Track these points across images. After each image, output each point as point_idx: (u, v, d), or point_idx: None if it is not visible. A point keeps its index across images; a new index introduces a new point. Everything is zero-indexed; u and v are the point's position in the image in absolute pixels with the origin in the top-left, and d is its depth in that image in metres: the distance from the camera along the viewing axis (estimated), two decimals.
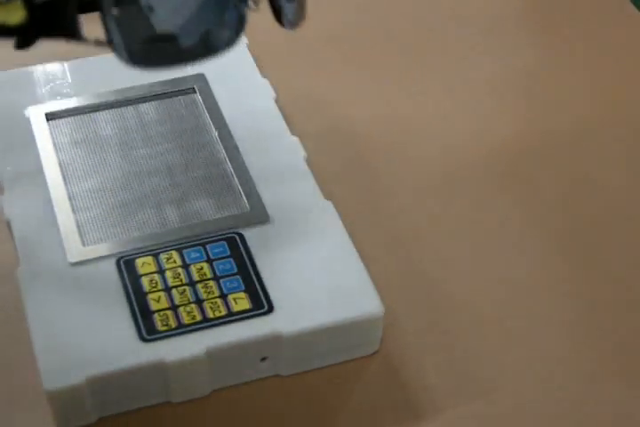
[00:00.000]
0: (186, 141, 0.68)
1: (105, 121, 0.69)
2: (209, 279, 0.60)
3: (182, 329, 0.58)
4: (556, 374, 0.61)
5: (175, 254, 0.61)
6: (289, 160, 0.67)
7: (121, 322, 0.58)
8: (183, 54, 0.50)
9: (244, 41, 0.75)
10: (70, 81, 0.72)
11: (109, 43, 0.49)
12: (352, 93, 0.78)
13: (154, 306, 0.59)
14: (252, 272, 0.60)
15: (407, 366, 0.61)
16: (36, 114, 0.69)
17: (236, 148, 0.67)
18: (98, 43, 0.50)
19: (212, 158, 0.67)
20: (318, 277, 0.60)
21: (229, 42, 0.51)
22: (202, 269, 0.60)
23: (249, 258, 0.61)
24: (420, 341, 0.62)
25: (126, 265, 0.60)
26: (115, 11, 0.48)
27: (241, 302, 0.59)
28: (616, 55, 0.82)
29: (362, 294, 0.59)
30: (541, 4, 0.87)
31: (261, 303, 0.59)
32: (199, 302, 0.59)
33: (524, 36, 0.85)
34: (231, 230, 0.62)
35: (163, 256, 0.61)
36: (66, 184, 0.65)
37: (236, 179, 0.65)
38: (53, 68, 0.73)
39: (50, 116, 0.69)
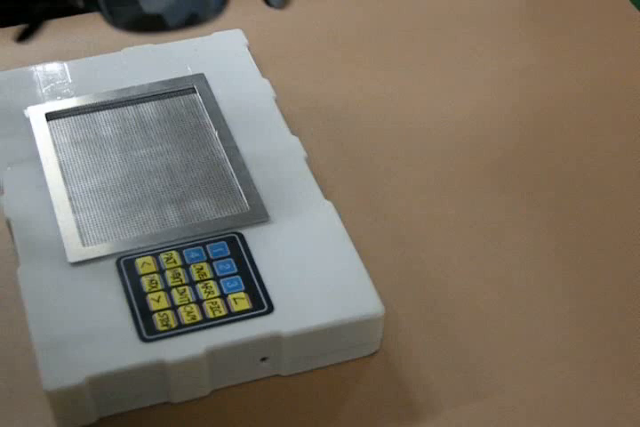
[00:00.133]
0: (186, 141, 0.68)
1: (105, 121, 0.69)
2: (209, 279, 0.60)
3: (182, 329, 0.58)
4: (556, 374, 0.61)
5: (175, 254, 0.61)
6: (289, 160, 0.67)
7: (121, 322, 0.58)
8: (168, 23, 0.51)
9: (244, 41, 0.75)
10: (70, 81, 0.72)
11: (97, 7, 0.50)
12: (352, 93, 0.78)
13: (154, 306, 0.59)
14: (251, 272, 0.60)
15: (407, 366, 0.61)
16: (36, 114, 0.69)
17: (236, 148, 0.67)
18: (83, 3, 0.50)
19: (212, 158, 0.67)
20: (318, 278, 0.60)
21: (217, 11, 0.52)
22: (202, 269, 0.60)
23: (249, 258, 0.61)
24: (420, 341, 0.62)
25: (126, 265, 0.60)
26: None
27: (241, 302, 0.59)
28: (616, 55, 0.82)
29: (362, 294, 0.59)
30: (541, 3, 0.87)
31: (261, 303, 0.59)
32: (199, 302, 0.59)
33: (523, 35, 0.85)
34: (231, 230, 0.62)
35: (163, 256, 0.61)
36: (66, 184, 0.65)
37: (235, 179, 0.65)
38: (53, 68, 0.73)
39: (50, 116, 0.69)
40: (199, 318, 0.58)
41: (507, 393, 0.60)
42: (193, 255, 0.61)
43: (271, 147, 0.67)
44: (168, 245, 0.62)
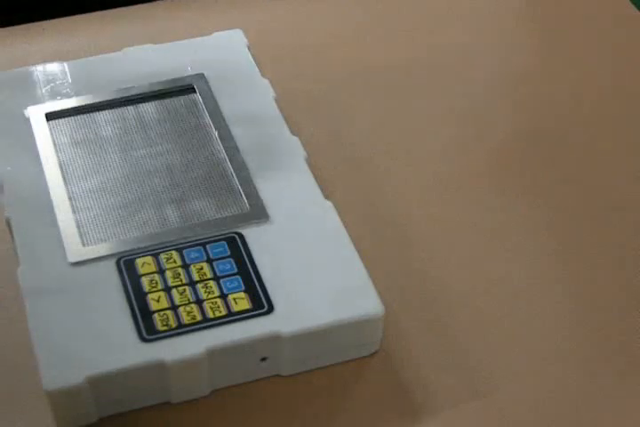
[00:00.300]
0: (186, 141, 0.68)
1: (105, 121, 0.69)
2: (209, 279, 0.60)
3: (182, 329, 0.58)
4: (556, 374, 0.61)
5: (175, 254, 0.61)
6: (289, 160, 0.67)
7: (121, 322, 0.58)
8: None
9: (244, 41, 0.75)
10: (70, 81, 0.72)
11: None
12: (352, 93, 0.78)
13: (154, 306, 0.59)
14: (251, 272, 0.60)
15: (407, 366, 0.61)
16: (35, 114, 0.69)
17: (236, 148, 0.67)
18: None
19: (212, 158, 0.67)
20: (318, 277, 0.60)
21: None
22: (202, 269, 0.60)
23: (249, 258, 0.61)
24: (420, 341, 0.62)
25: (126, 265, 0.60)
26: None
27: (241, 302, 0.59)
28: (616, 55, 0.82)
29: (362, 294, 0.59)
30: (541, 3, 0.87)
31: (261, 303, 0.59)
32: (199, 302, 0.59)
33: (523, 36, 0.85)
34: (231, 230, 0.62)
35: (163, 256, 0.61)
36: (66, 184, 0.65)
37: (235, 179, 0.65)
38: (53, 68, 0.72)
39: (50, 116, 0.69)
40: (199, 318, 0.58)
41: (507, 393, 0.60)
42: (193, 255, 0.61)
43: (271, 147, 0.67)
44: (168, 245, 0.62)
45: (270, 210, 0.63)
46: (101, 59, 0.73)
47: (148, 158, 0.67)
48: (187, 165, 0.66)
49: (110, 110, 0.70)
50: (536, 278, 0.66)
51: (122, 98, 0.70)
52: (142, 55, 0.73)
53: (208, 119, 0.69)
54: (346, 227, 0.63)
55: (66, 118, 0.69)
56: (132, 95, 0.70)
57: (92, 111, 0.70)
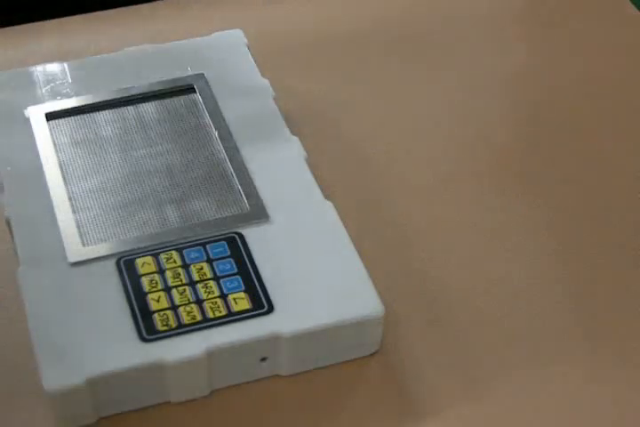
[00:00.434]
0: (186, 141, 0.68)
1: (105, 121, 0.69)
2: (209, 279, 0.60)
3: (182, 329, 0.58)
4: (556, 374, 0.61)
5: (175, 254, 0.61)
6: (289, 160, 0.67)
7: (121, 322, 0.58)
8: None
9: (244, 41, 0.75)
10: (70, 81, 0.72)
11: None
12: (352, 93, 0.78)
13: (154, 306, 0.59)
14: (252, 272, 0.60)
15: (407, 366, 0.61)
16: (35, 114, 0.69)
17: (236, 148, 0.67)
18: None
19: (212, 158, 0.67)
20: (318, 278, 0.60)
21: None
22: (202, 269, 0.60)
23: (249, 258, 0.61)
24: (420, 341, 0.62)
25: (126, 265, 0.60)
26: None
27: (241, 302, 0.59)
28: (616, 55, 0.82)
29: (362, 294, 0.59)
30: (541, 3, 0.87)
31: (261, 303, 0.59)
32: (199, 302, 0.59)
33: (523, 35, 0.85)
34: (231, 230, 0.62)
35: (163, 256, 0.61)
36: (66, 184, 0.65)
37: (235, 179, 0.65)
38: (53, 68, 0.72)
39: (50, 116, 0.69)
40: (199, 318, 0.58)
41: (507, 393, 0.60)
42: (193, 255, 0.61)
43: (271, 147, 0.67)
44: (168, 245, 0.62)
45: (270, 210, 0.63)
46: (101, 59, 0.73)
47: (148, 158, 0.67)
48: (187, 165, 0.66)
49: (110, 110, 0.70)
50: (536, 278, 0.66)
51: (122, 98, 0.70)
52: (142, 55, 0.73)
53: (208, 119, 0.69)
54: (346, 227, 0.63)
55: (66, 118, 0.69)
56: (132, 95, 0.70)
57: (92, 111, 0.70)
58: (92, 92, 0.70)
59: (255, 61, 0.73)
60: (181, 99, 0.71)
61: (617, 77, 0.80)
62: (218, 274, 0.60)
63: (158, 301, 0.59)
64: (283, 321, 0.58)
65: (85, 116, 0.69)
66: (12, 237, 0.63)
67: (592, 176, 0.72)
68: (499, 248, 0.68)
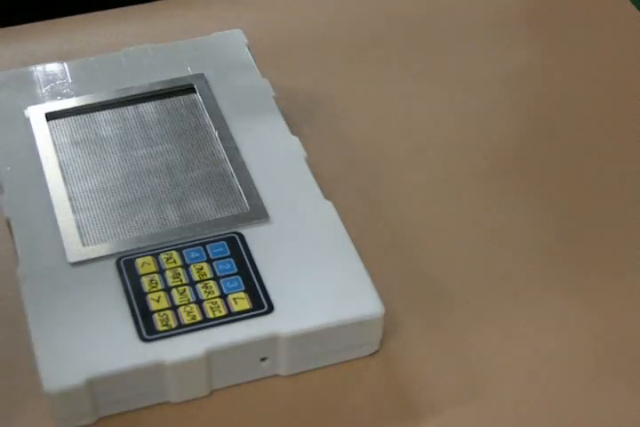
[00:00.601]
0: (186, 141, 0.68)
1: (105, 121, 0.69)
2: (209, 279, 0.60)
3: (182, 329, 0.58)
4: (556, 374, 0.61)
5: (175, 254, 0.61)
6: (289, 160, 0.67)
7: (121, 322, 0.58)
8: None
9: (244, 41, 0.75)
10: (70, 81, 0.72)
11: None
12: (352, 93, 0.78)
13: (154, 306, 0.59)
14: (252, 272, 0.60)
15: (407, 366, 0.61)
16: (36, 114, 0.69)
17: (236, 148, 0.67)
18: None
19: (212, 158, 0.67)
20: (318, 278, 0.60)
21: None
22: (202, 269, 0.60)
23: (249, 258, 0.61)
24: (420, 341, 0.62)
25: (126, 265, 0.60)
26: None
27: (241, 302, 0.59)
28: (616, 55, 0.82)
29: (362, 294, 0.59)
30: (541, 3, 0.87)
31: (261, 303, 0.59)
32: (199, 302, 0.59)
33: (523, 35, 0.85)
34: (231, 230, 0.62)
35: (163, 256, 0.61)
36: (66, 184, 0.65)
37: (235, 179, 0.65)
38: (53, 68, 0.72)
39: (50, 116, 0.69)
40: (199, 318, 0.58)
41: (506, 393, 0.60)
42: (193, 255, 0.61)
43: (271, 147, 0.67)
44: (168, 245, 0.62)
45: (270, 210, 0.63)
46: (101, 59, 0.73)
47: (148, 158, 0.67)
48: (187, 165, 0.66)
49: (110, 110, 0.70)
50: (536, 278, 0.66)
51: (122, 98, 0.70)
52: (142, 55, 0.73)
53: (208, 119, 0.69)
54: (346, 227, 0.63)
55: (66, 118, 0.69)
56: (132, 95, 0.70)
57: (92, 111, 0.70)
58: (91, 92, 0.70)
59: (255, 61, 0.73)
60: (181, 99, 0.71)
61: (617, 77, 0.80)
62: (218, 274, 0.60)
63: (158, 301, 0.59)
64: (282, 321, 0.58)
65: (85, 116, 0.69)
66: (12, 237, 0.63)
67: (592, 176, 0.72)
68: (499, 248, 0.68)
